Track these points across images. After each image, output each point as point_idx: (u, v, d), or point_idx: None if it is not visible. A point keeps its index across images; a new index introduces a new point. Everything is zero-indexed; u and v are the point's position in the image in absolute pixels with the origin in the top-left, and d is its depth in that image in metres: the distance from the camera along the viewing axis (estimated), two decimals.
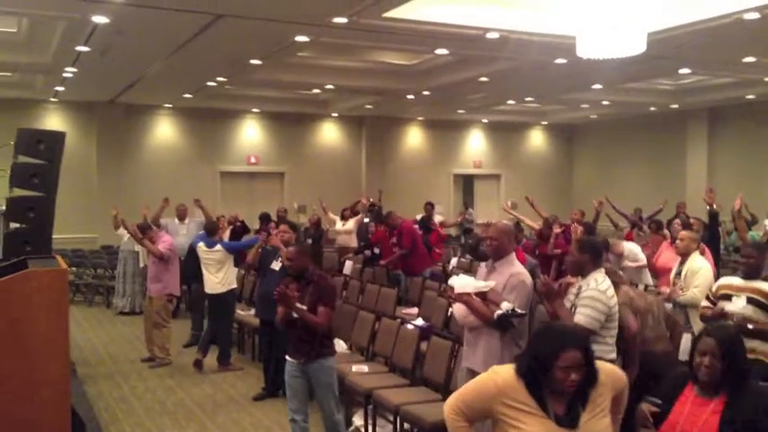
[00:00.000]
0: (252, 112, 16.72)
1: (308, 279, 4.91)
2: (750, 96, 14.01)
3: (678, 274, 5.79)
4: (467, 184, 19.58)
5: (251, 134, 16.96)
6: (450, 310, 5.56)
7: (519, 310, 4.06)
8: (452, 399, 2.60)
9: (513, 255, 4.34)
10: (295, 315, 4.71)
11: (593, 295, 3.94)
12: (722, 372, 2.64)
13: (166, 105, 15.70)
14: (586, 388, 2.42)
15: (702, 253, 6.14)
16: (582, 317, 3.89)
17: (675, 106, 15.53)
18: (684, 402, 2.76)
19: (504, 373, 2.48)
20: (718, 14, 7.63)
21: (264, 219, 10.55)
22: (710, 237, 7.60)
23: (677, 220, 8.98)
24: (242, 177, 16.84)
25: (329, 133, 17.72)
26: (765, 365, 4.54)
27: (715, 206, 7.60)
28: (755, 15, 7.43)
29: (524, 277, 4.19)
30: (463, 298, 4.15)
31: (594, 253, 4.11)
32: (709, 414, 2.66)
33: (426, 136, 18.69)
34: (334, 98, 15.89)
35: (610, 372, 2.56)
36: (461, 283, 4.23)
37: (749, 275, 4.68)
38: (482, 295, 4.14)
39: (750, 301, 4.52)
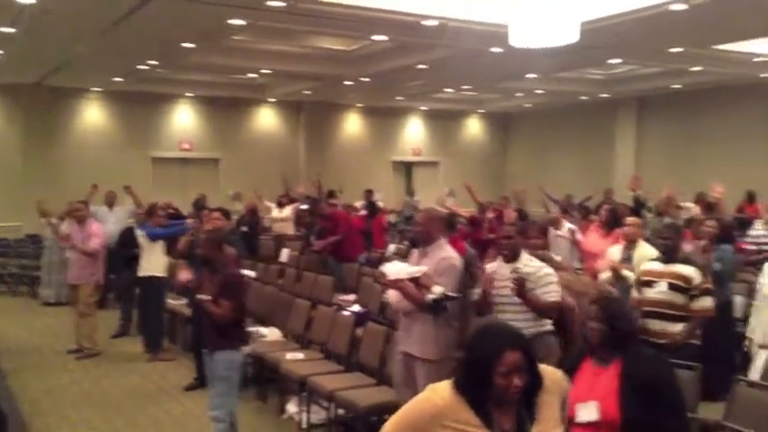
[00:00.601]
0: (185, 97, 16.33)
1: (216, 269, 4.70)
2: (677, 86, 14.49)
3: (626, 259, 5.78)
4: (406, 171, 19.66)
5: (184, 119, 16.57)
6: (385, 296, 5.60)
7: (451, 294, 4.14)
8: (389, 424, 2.29)
9: (444, 240, 4.42)
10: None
11: (549, 272, 4.24)
12: (609, 335, 2.87)
13: (95, 89, 15.17)
14: (532, 396, 2.20)
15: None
16: (555, 295, 4.15)
17: (606, 95, 15.95)
18: (582, 375, 2.89)
19: (442, 391, 2.22)
20: (647, 5, 7.84)
21: (198, 205, 10.34)
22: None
23: (605, 206, 9.23)
24: (175, 163, 16.44)
25: (266, 119, 17.48)
26: (678, 345, 4.74)
27: (640, 192, 7.83)
28: (683, 6, 7.66)
29: (454, 261, 4.28)
30: (397, 284, 4.21)
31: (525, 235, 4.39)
32: (608, 379, 2.80)
33: (366, 123, 18.66)
34: (271, 83, 15.67)
35: (553, 376, 2.36)
36: (394, 269, 4.30)
37: (668, 258, 4.80)
38: (415, 280, 4.20)
39: (671, 286, 4.64)
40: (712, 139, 15.04)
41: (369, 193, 12.11)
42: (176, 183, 15.91)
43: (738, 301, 5.97)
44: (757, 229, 7.03)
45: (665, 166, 15.53)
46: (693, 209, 9.73)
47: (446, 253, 4.32)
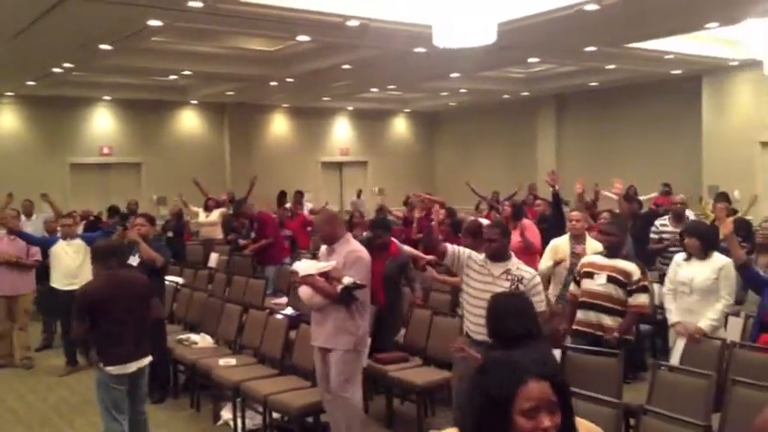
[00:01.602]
0: (104, 100, 15.80)
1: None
2: (593, 83, 15.02)
3: (574, 254, 5.88)
4: (335, 171, 19.64)
5: (103, 123, 16.03)
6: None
7: (359, 282, 4.41)
8: None
9: (349, 235, 4.73)
10: None
11: (539, 281, 4.36)
12: (494, 332, 2.99)
13: (8, 93, 14.49)
14: None
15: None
16: (543, 304, 4.27)
17: (526, 93, 16.36)
18: None
19: None
20: (561, 5, 8.09)
21: (114, 212, 10.06)
22: (555, 216, 8.02)
23: (538, 201, 9.53)
24: (94, 169, 15.89)
25: (189, 121, 17.12)
26: (609, 336, 4.93)
27: (557, 187, 8.04)
28: (595, 6, 7.94)
29: (361, 253, 4.56)
30: (308, 280, 4.40)
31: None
32: None
33: (292, 123, 18.53)
34: (193, 85, 15.36)
35: (589, 427, 1.85)
36: (304, 266, 4.59)
37: (611, 253, 4.89)
38: (325, 275, 4.43)
39: (610, 279, 4.76)
40: (627, 134, 15.67)
41: (299, 194, 12.05)
42: (97, 189, 15.39)
43: (655, 288, 6.24)
44: (663, 221, 7.37)
45: (584, 161, 16.09)
46: (614, 198, 10.13)
47: (352, 247, 4.59)
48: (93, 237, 7.38)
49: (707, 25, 9.61)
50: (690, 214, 8.05)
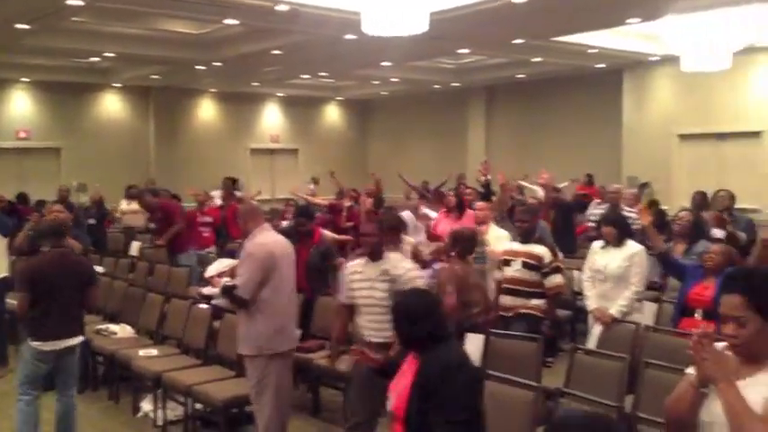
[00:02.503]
0: (21, 82, 15.09)
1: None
2: (521, 75, 15.30)
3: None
4: (265, 158, 19.36)
5: (20, 106, 15.31)
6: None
7: (229, 284, 4.28)
8: None
9: (258, 230, 4.37)
10: None
11: (418, 274, 4.22)
12: (407, 335, 2.87)
13: None
14: None
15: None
16: None
17: (457, 84, 16.53)
18: (407, 361, 2.95)
19: None
20: None
21: (22, 199, 9.62)
22: None
23: (468, 190, 9.59)
24: (10, 154, 15.15)
25: (112, 105, 16.53)
26: (529, 318, 5.08)
27: (489, 177, 8.19)
28: None
29: (253, 249, 4.27)
30: (211, 281, 4.30)
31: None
32: (409, 374, 2.86)
33: (221, 109, 18.15)
34: (116, 67, 14.83)
35: None
36: (214, 267, 4.43)
37: (525, 239, 5.25)
38: (230, 273, 4.40)
39: (524, 264, 5.09)
40: (554, 125, 16.03)
41: (230, 181, 11.80)
42: (13, 174, 14.68)
43: (576, 275, 6.42)
44: (593, 209, 7.60)
45: (513, 151, 16.41)
46: (539, 191, 10.37)
47: (252, 242, 4.32)
48: (7, 224, 7.02)
49: (628, 20, 9.91)
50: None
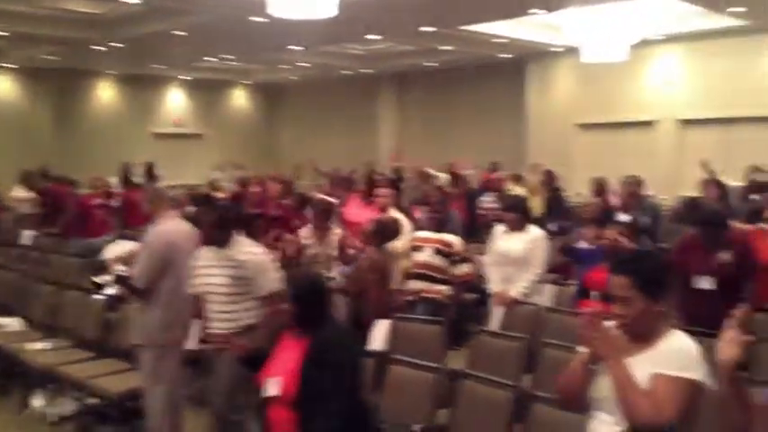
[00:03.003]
0: None
1: None
2: (431, 64, 15.43)
3: None
4: (168, 143, 18.71)
5: None
6: None
7: (122, 273, 4.22)
8: None
9: (163, 217, 4.25)
10: None
11: (266, 258, 4.02)
12: (299, 314, 2.88)
13: None
14: None
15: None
16: (274, 283, 3.82)
17: (368, 71, 16.50)
18: (280, 349, 2.95)
19: None
20: None
21: None
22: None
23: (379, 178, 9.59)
24: None
25: (3, 86, 15.55)
26: (437, 302, 5.14)
27: (401, 164, 8.24)
28: None
29: (153, 237, 4.15)
30: (110, 264, 4.19)
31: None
32: (295, 355, 2.86)
33: (121, 92, 17.39)
34: (6, 47, 13.91)
35: None
36: (111, 249, 4.28)
37: (437, 228, 5.39)
38: (128, 259, 4.30)
39: (436, 251, 5.21)
40: (463, 113, 16.29)
41: (127, 166, 11.33)
42: None
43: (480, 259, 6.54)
44: (487, 197, 7.78)
45: (425, 139, 16.57)
46: (444, 178, 10.53)
47: (152, 230, 4.19)
48: None
49: (531, 11, 10.16)
50: (521, 191, 8.56)
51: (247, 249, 3.93)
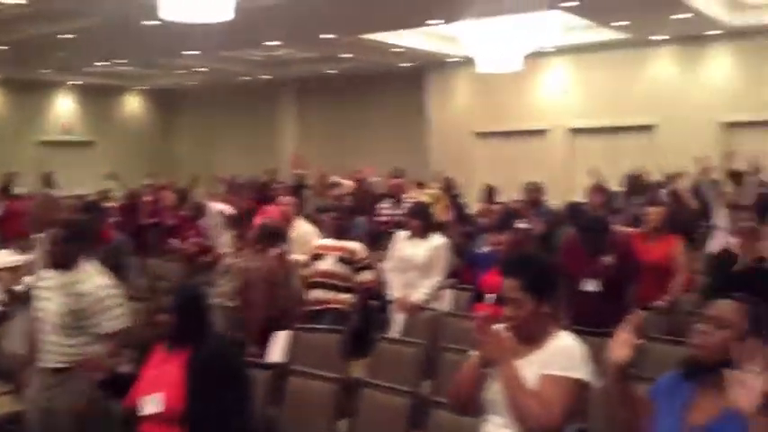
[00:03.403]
0: None
1: None
2: (332, 71, 15.42)
3: None
4: (56, 151, 17.74)
5: None
6: None
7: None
8: None
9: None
10: None
11: (113, 293, 3.43)
12: (179, 325, 2.84)
13: None
14: None
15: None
16: (119, 322, 3.39)
17: (267, 77, 16.29)
18: (153, 363, 2.90)
19: None
20: None
21: None
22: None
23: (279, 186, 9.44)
24: None
25: None
26: (340, 312, 5.09)
27: (301, 172, 8.11)
28: None
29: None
30: None
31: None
32: (176, 369, 2.81)
33: (5, 97, 16.39)
34: None
35: None
36: None
37: (338, 235, 5.31)
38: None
39: (339, 259, 5.12)
40: (366, 121, 16.35)
41: (8, 176, 10.69)
42: None
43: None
44: (386, 203, 7.82)
45: (326, 146, 16.49)
46: (347, 186, 10.51)
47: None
48: None
49: (429, 22, 10.35)
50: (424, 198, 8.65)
51: (94, 279, 3.41)
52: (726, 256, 4.74)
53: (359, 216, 7.61)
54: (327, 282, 5.13)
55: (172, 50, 12.52)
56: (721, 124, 11.62)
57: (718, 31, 11.12)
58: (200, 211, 7.23)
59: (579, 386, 2.25)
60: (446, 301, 5.54)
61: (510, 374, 2.21)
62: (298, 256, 5.47)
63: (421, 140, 14.92)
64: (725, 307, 1.97)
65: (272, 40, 11.86)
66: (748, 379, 1.74)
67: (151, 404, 2.69)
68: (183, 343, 2.79)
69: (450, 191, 9.91)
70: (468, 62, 12.61)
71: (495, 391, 2.28)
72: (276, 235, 4.98)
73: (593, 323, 3.77)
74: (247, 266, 4.97)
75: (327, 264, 5.14)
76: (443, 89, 14.68)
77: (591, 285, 4.39)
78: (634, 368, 2.12)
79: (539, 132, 13.55)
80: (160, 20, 7.81)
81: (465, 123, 14.29)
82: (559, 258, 4.63)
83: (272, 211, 7.09)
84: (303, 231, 6.01)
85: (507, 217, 6.26)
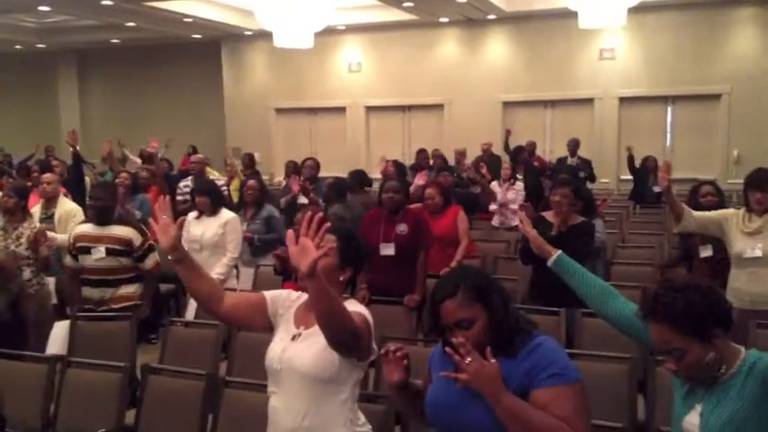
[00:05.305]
0: None
1: None
2: (116, 41, 14.40)
3: (49, 218, 5.31)
4: None
5: None
6: None
7: None
8: None
9: None
10: None
11: None
12: None
13: None
14: None
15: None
16: None
17: (43, 46, 14.86)
18: None
19: None
20: None
21: None
22: (74, 179, 7.29)
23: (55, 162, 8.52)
24: None
25: None
26: (134, 306, 4.66)
27: (78, 147, 7.33)
28: None
29: None
30: None
31: None
32: None
33: None
34: None
35: None
36: None
37: (101, 220, 4.49)
38: None
39: (109, 251, 4.40)
40: (157, 95, 15.58)
41: None
42: None
43: None
44: (185, 182, 7.50)
45: (113, 120, 15.43)
46: (138, 161, 9.91)
47: None
48: None
49: None
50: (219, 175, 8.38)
51: None
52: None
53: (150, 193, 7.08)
54: (101, 278, 4.44)
55: None
56: (502, 103, 12.53)
57: (495, 16, 11.94)
58: None
59: None
60: (244, 279, 5.44)
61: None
62: (62, 236, 4.94)
63: (218, 115, 14.48)
64: None
65: (43, 6, 10.70)
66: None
67: None
68: None
69: (251, 167, 9.70)
70: (265, 36, 12.36)
71: None
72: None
73: (386, 286, 4.23)
74: None
75: (95, 258, 4.40)
76: (239, 63, 14.31)
77: (388, 250, 4.53)
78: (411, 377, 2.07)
79: (337, 110, 13.72)
80: None
81: (263, 99, 14.08)
82: (361, 228, 4.67)
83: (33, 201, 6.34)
84: (67, 209, 5.40)
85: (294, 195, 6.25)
